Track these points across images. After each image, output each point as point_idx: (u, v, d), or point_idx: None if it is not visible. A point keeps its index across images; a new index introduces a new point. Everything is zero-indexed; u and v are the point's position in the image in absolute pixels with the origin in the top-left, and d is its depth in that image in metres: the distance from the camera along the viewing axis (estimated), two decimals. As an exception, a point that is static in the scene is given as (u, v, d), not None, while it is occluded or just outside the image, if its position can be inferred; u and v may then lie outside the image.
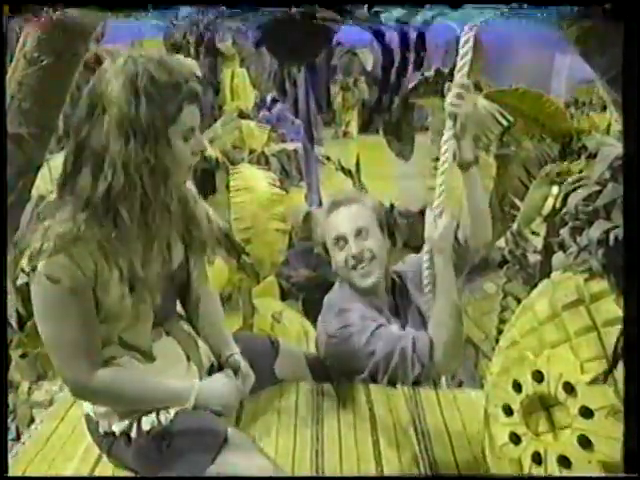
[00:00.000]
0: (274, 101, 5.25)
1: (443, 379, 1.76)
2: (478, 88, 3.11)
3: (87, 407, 1.27)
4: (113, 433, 1.23)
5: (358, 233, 1.52)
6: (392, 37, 2.83)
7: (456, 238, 1.50)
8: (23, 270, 1.08)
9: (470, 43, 1.29)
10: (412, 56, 2.80)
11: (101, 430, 1.24)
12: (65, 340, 1.12)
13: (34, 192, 0.92)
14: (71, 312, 1.09)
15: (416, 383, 1.48)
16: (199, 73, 1.14)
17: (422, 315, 1.58)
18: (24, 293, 2.38)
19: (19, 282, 1.12)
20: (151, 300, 1.19)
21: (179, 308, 1.40)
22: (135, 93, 1.03)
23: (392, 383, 1.46)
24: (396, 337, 1.44)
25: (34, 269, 1.06)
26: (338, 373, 1.57)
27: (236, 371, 1.34)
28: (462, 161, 1.41)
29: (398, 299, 1.64)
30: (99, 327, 1.15)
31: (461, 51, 1.31)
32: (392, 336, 1.45)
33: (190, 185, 1.32)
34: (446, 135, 1.38)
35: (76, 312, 1.10)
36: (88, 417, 1.28)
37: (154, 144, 1.06)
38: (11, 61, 0.73)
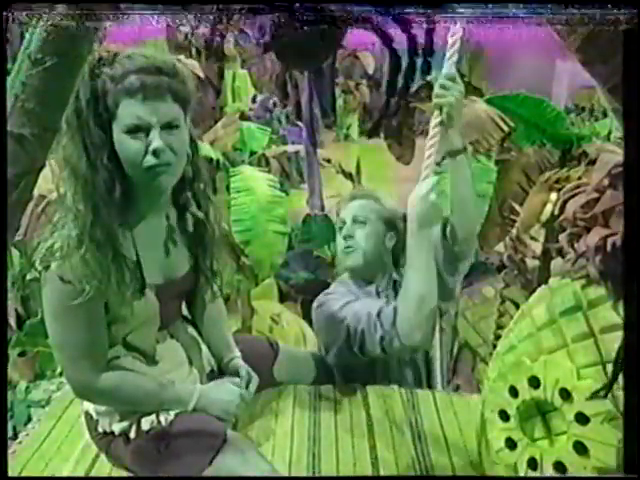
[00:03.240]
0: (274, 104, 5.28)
1: (438, 382, 1.76)
2: (479, 93, 3.11)
3: (87, 405, 1.27)
4: (112, 432, 1.23)
5: (355, 220, 1.64)
6: (401, 41, 2.83)
7: (443, 233, 1.52)
8: (36, 268, 1.07)
9: (458, 35, 1.30)
10: (420, 60, 2.81)
11: (100, 429, 1.25)
12: (72, 341, 1.12)
13: (35, 191, 0.92)
14: (81, 313, 1.09)
15: (385, 352, 1.44)
16: (159, 64, 1.06)
17: None
18: (25, 292, 2.39)
19: (28, 277, 1.12)
20: (159, 304, 1.20)
21: (184, 311, 1.40)
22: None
23: (363, 350, 1.45)
24: (367, 304, 1.48)
25: (46, 268, 1.06)
26: (324, 343, 1.61)
27: (237, 375, 1.34)
28: (451, 149, 1.42)
29: (393, 296, 1.66)
30: (106, 329, 1.15)
31: (449, 42, 1.32)
32: (363, 303, 1.50)
33: (215, 221, 1.29)
34: (432, 125, 1.38)
35: (86, 314, 1.09)
36: (87, 415, 1.28)
37: (97, 139, 1.04)
38: (14, 62, 0.74)
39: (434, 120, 1.38)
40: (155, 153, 1.06)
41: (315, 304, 1.61)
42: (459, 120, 1.42)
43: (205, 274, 1.32)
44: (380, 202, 1.69)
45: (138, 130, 1.05)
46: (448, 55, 1.34)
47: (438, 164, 1.44)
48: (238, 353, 1.41)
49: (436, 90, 1.37)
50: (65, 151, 1.04)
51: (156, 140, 1.05)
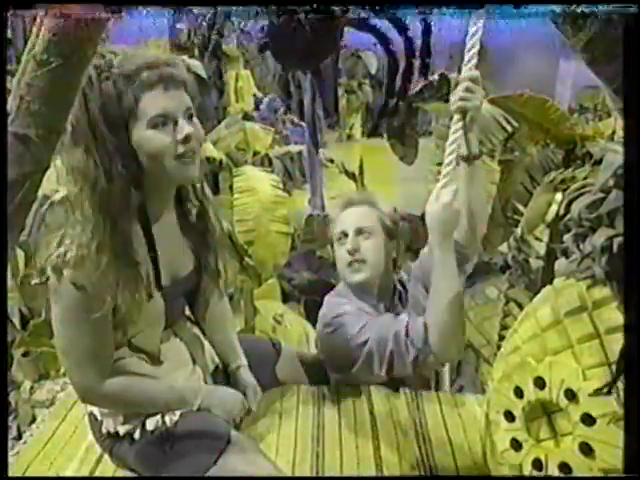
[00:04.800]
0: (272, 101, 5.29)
1: (446, 383, 1.75)
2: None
3: (92, 407, 1.27)
4: (117, 433, 1.23)
5: (359, 232, 1.54)
6: (398, 43, 2.84)
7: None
8: (47, 276, 1.07)
9: (478, 35, 1.24)
10: (417, 62, 2.81)
11: (104, 430, 1.25)
12: (80, 346, 1.12)
13: (39, 192, 0.92)
14: (90, 319, 1.08)
15: (417, 371, 1.38)
16: (164, 58, 1.08)
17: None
18: (29, 292, 2.39)
19: (33, 282, 1.11)
20: (164, 304, 1.19)
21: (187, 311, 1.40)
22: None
23: (391, 372, 1.38)
24: (389, 322, 1.41)
25: (59, 274, 1.05)
26: (333, 366, 1.55)
27: (242, 384, 1.34)
28: (469, 154, 1.38)
29: (398, 305, 1.64)
30: (112, 333, 1.15)
31: (469, 43, 1.26)
32: (385, 322, 1.42)
33: (216, 220, 1.30)
34: (453, 129, 1.32)
35: (95, 319, 1.08)
36: (92, 416, 1.28)
37: (110, 147, 1.03)
38: (19, 62, 0.74)
39: (455, 124, 1.33)
40: (187, 140, 1.07)
41: (324, 328, 1.52)
42: (479, 124, 1.37)
43: (209, 273, 1.32)
44: (378, 207, 1.62)
45: (164, 121, 1.06)
46: (467, 57, 1.29)
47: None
48: (244, 361, 1.40)
49: (460, 93, 1.29)
50: (80, 164, 1.03)
51: (187, 127, 1.07)
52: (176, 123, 1.07)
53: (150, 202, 1.14)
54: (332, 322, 1.49)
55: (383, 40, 2.92)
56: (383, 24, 2.82)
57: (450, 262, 1.30)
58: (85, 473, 1.30)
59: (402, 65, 2.95)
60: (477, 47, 1.26)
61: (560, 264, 1.04)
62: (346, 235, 1.55)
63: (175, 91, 1.07)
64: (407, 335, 1.33)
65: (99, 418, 1.25)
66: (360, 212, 1.58)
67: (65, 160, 1.04)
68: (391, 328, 1.36)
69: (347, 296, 1.57)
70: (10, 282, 2.36)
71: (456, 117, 1.32)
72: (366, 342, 1.38)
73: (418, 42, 2.78)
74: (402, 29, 2.79)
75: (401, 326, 1.35)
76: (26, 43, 0.74)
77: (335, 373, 1.56)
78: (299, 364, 1.65)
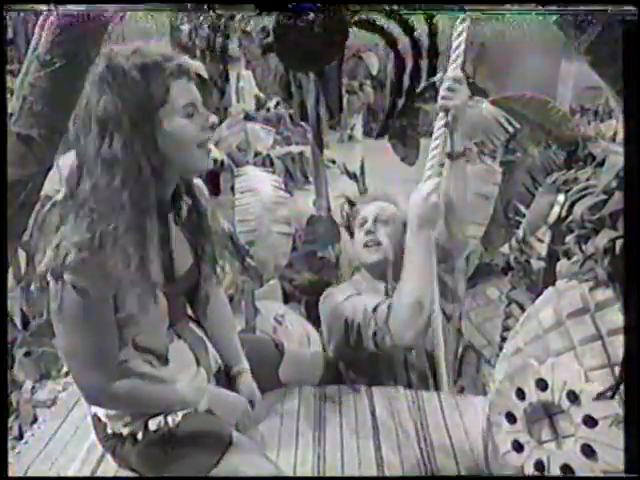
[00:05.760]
0: (277, 104, 5.27)
1: (444, 383, 1.75)
2: (485, 94, 3.10)
3: (95, 408, 1.26)
4: (121, 434, 1.23)
5: (377, 219, 1.67)
6: (405, 44, 2.85)
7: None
8: (47, 281, 1.06)
9: (463, 36, 1.30)
10: (425, 63, 2.83)
11: (109, 431, 1.24)
12: (85, 349, 1.11)
13: (42, 192, 0.92)
14: (93, 321, 1.07)
15: (379, 348, 1.46)
16: (179, 58, 1.10)
17: None
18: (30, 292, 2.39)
19: (33, 287, 1.10)
20: (166, 303, 1.19)
21: (189, 310, 1.40)
22: (103, 90, 1.00)
23: (359, 346, 1.47)
24: (366, 299, 1.50)
25: (59, 278, 1.04)
26: (326, 335, 1.65)
27: (242, 393, 1.35)
28: (452, 152, 1.44)
29: None
30: (116, 333, 1.14)
31: (454, 43, 1.32)
32: (364, 298, 1.52)
33: (208, 203, 1.31)
34: (437, 126, 1.38)
35: (98, 321, 1.08)
36: (95, 417, 1.27)
37: (136, 134, 1.02)
38: (20, 62, 0.74)
39: (439, 122, 1.39)
40: (213, 127, 1.12)
41: (321, 297, 1.66)
42: (463, 123, 1.42)
43: (207, 261, 1.30)
44: (398, 206, 1.73)
45: (192, 110, 1.09)
46: (453, 57, 1.34)
47: (441, 165, 1.45)
48: (246, 365, 1.40)
49: (443, 92, 1.37)
50: (109, 155, 1.01)
51: (212, 115, 1.12)
52: (199, 112, 1.11)
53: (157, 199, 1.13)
54: (326, 291, 1.66)
55: (390, 41, 2.92)
56: (390, 25, 2.82)
57: (420, 252, 1.36)
58: (86, 473, 1.30)
59: (409, 66, 2.96)
60: (462, 47, 1.31)
61: (562, 266, 1.05)
62: (365, 221, 1.69)
63: (193, 82, 1.11)
64: (374, 311, 1.41)
65: (103, 420, 1.25)
66: (381, 205, 1.72)
67: (92, 152, 1.02)
68: (363, 302, 1.46)
69: (358, 282, 1.68)
70: (12, 282, 2.36)
71: (440, 115, 1.39)
72: (344, 312, 1.50)
73: (425, 43, 2.79)
74: (409, 30, 2.79)
75: (372, 302, 1.44)
76: (28, 43, 0.74)
77: (328, 344, 1.62)
78: (302, 365, 1.65)
